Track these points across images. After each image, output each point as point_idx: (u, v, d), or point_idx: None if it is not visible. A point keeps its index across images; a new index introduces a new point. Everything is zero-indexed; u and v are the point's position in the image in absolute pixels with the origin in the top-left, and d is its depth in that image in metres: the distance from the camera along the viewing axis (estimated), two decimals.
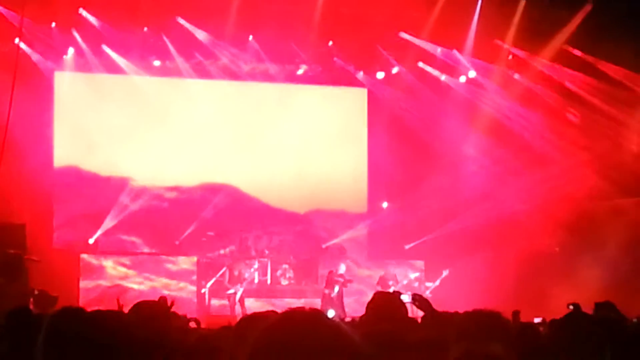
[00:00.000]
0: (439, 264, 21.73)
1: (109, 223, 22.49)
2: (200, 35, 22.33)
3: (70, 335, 4.00)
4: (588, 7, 20.17)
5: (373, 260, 23.59)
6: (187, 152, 23.51)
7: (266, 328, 2.56)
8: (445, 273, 20.99)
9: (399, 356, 4.24)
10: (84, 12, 21.24)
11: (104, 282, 21.33)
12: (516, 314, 9.49)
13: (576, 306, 7.13)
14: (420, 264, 22.67)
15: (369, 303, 5.43)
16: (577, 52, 21.11)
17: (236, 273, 20.90)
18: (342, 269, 21.18)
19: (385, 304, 5.38)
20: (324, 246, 23.72)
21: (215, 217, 23.23)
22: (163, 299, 6.58)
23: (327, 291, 20.96)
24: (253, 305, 20.46)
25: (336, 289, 20.80)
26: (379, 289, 19.48)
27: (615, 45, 18.51)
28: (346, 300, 21.00)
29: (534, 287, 19.77)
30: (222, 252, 22.77)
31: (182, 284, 21.75)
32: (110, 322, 3.89)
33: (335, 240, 23.72)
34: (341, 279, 20.91)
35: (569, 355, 4.98)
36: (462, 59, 23.09)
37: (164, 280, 21.80)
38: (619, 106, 20.69)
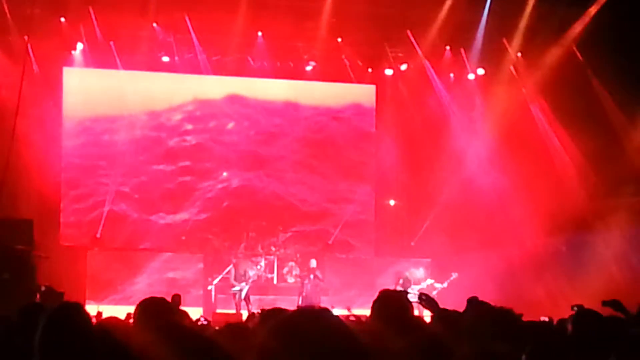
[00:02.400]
0: (445, 261, 21.69)
1: (116, 218, 22.55)
2: (209, 31, 22.30)
3: (67, 328, 4.05)
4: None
5: (380, 257, 23.61)
6: (194, 149, 23.59)
7: (274, 326, 2.57)
8: (454, 276, 20.74)
9: (404, 355, 4.24)
10: (92, 9, 21.21)
11: (110, 278, 21.35)
12: (519, 315, 9.41)
13: (580, 307, 7.07)
14: (426, 261, 22.70)
15: (375, 301, 5.42)
16: (580, 58, 20.95)
17: (242, 271, 20.89)
18: (312, 263, 21.12)
19: (391, 303, 5.36)
20: (329, 242, 23.72)
21: (225, 213, 23.33)
22: (176, 296, 6.67)
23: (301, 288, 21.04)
24: (259, 302, 20.44)
25: (306, 283, 20.77)
26: (399, 288, 19.22)
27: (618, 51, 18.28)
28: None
29: (538, 286, 19.70)
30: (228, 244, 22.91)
31: (189, 281, 21.83)
32: (110, 320, 3.92)
33: (336, 232, 23.70)
34: (310, 274, 20.82)
35: (576, 353, 4.97)
36: (470, 57, 23.05)
37: (171, 276, 21.85)
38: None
